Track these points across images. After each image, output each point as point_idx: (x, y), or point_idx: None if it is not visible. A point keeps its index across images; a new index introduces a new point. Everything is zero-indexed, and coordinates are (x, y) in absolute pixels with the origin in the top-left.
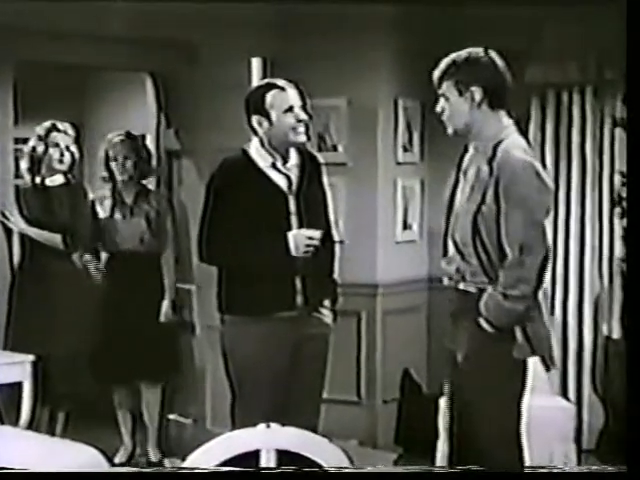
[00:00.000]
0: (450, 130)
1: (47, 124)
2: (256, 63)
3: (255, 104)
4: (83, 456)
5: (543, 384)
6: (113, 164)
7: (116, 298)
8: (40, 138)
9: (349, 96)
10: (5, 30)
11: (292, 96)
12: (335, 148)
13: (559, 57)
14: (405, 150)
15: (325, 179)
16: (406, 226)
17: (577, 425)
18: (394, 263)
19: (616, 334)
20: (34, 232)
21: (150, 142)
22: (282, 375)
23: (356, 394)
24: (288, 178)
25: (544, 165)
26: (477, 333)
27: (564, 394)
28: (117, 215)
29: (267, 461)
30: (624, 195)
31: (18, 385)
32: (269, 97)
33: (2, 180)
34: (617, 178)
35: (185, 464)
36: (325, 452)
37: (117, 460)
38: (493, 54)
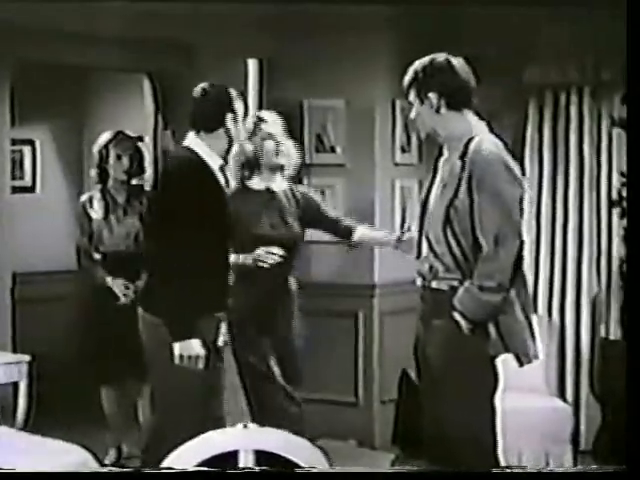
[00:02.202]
0: (422, 135)
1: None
2: (252, 64)
3: (226, 102)
4: (72, 456)
5: (539, 385)
6: (108, 163)
7: (110, 298)
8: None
9: (347, 97)
10: (2, 30)
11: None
12: (333, 149)
13: (557, 58)
14: (403, 151)
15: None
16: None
17: (574, 426)
18: (392, 264)
19: (614, 335)
20: None
21: (147, 143)
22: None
23: (354, 395)
24: (227, 181)
25: (541, 166)
26: (450, 332)
27: (561, 395)
28: (111, 216)
29: (245, 462)
30: (624, 195)
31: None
32: (236, 100)
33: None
34: (615, 178)
35: (163, 465)
36: (303, 452)
37: (107, 461)
38: (453, 59)
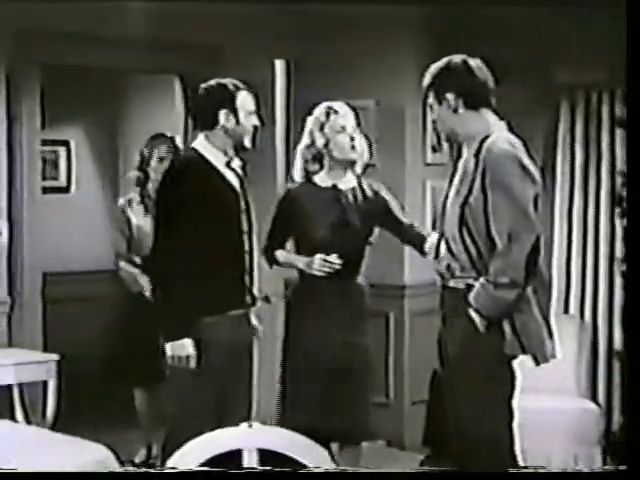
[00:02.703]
0: (443, 137)
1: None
2: (280, 65)
3: (224, 99)
4: (92, 454)
5: (569, 386)
6: (150, 165)
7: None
8: None
9: (377, 97)
10: (33, 34)
11: (253, 101)
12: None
13: (588, 58)
14: (434, 151)
15: None
16: (435, 227)
17: (606, 428)
18: (422, 264)
19: None
20: None
21: (178, 144)
22: (232, 373)
23: (385, 395)
24: (239, 176)
25: (573, 166)
26: (467, 331)
27: (593, 397)
28: (150, 219)
29: (249, 461)
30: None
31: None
32: (240, 96)
33: (30, 181)
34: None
35: (168, 464)
36: (307, 452)
37: (137, 459)
38: (470, 60)
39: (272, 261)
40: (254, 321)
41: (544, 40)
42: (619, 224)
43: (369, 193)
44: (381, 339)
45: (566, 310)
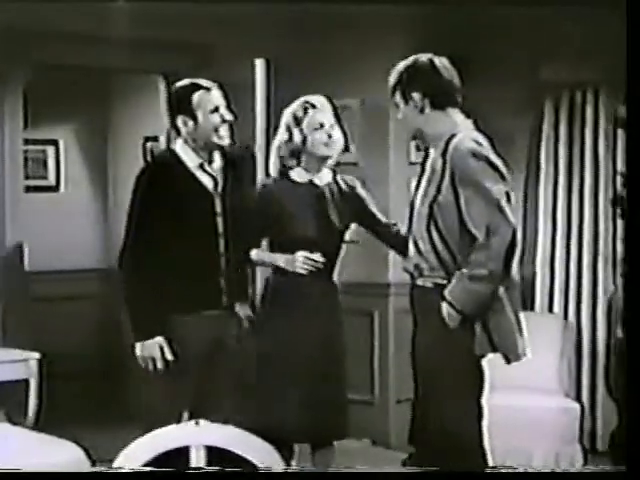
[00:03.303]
0: (410, 135)
1: None
2: (260, 64)
3: (181, 103)
4: (65, 453)
5: (551, 384)
6: None
7: None
8: None
9: (361, 96)
10: (17, 33)
11: (217, 96)
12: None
13: (573, 57)
14: (418, 150)
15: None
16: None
17: (591, 426)
18: None
19: None
20: None
21: (162, 143)
22: (204, 372)
23: (370, 393)
24: (214, 179)
25: (557, 164)
26: (437, 329)
27: (577, 395)
28: None
29: (197, 458)
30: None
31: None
32: (196, 97)
33: (13, 180)
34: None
35: (115, 462)
36: (254, 449)
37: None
38: (436, 59)
39: (245, 260)
40: (243, 320)
41: (529, 39)
42: (603, 222)
43: (345, 188)
44: (366, 337)
45: (550, 308)
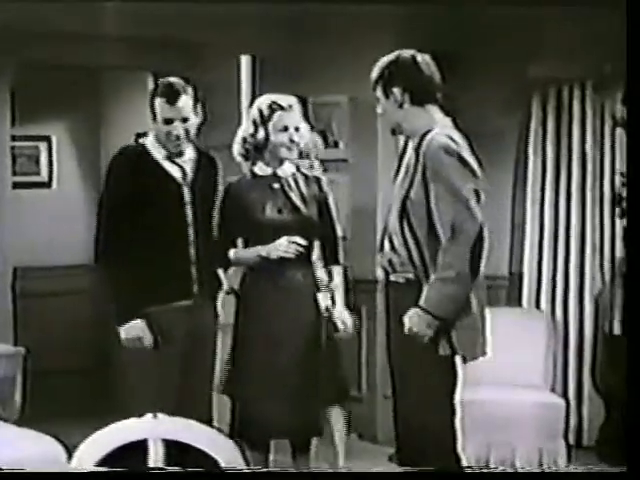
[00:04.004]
0: (389, 129)
1: None
2: (245, 61)
3: (151, 102)
4: (41, 447)
5: (536, 380)
6: None
7: None
8: None
9: (351, 93)
10: (8, 31)
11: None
12: (337, 144)
13: (560, 54)
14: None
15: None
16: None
17: (577, 422)
18: None
19: (617, 331)
20: None
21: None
22: (176, 364)
23: (357, 389)
24: (182, 169)
25: (544, 161)
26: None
27: (564, 391)
28: None
29: (155, 451)
30: (624, 195)
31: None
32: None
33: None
34: (617, 178)
35: (75, 455)
36: (212, 442)
37: None
38: (419, 55)
39: (225, 263)
40: (219, 311)
41: (516, 36)
42: (590, 218)
43: (310, 177)
44: (353, 334)
45: (537, 305)
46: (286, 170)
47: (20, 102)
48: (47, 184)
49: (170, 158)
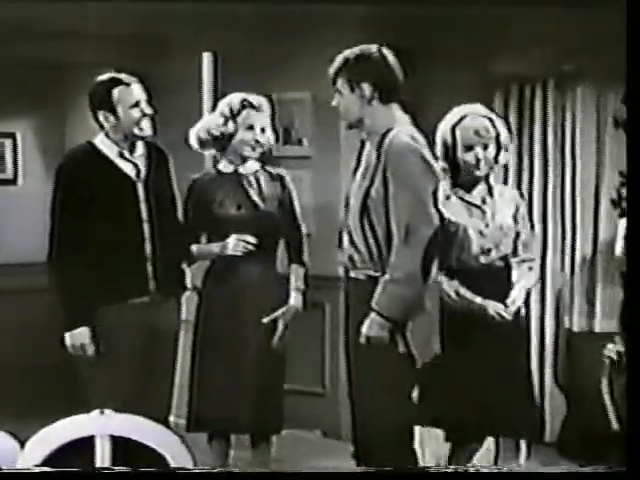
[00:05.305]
0: (345, 124)
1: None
2: (207, 58)
3: (101, 99)
4: None
5: None
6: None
7: None
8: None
9: (314, 90)
10: None
11: (137, 91)
12: (300, 142)
13: (521, 51)
14: None
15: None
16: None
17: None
18: None
19: (577, 327)
20: None
21: None
22: (135, 361)
23: (321, 385)
24: (136, 166)
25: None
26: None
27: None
28: None
29: (102, 448)
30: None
31: None
32: (116, 93)
33: None
34: (579, 170)
35: (23, 451)
36: (159, 438)
37: None
38: (385, 51)
39: (189, 258)
40: (183, 311)
41: (478, 33)
42: (551, 213)
43: (274, 175)
44: (317, 330)
45: None
46: (249, 168)
47: None
48: (12, 181)
49: (122, 155)
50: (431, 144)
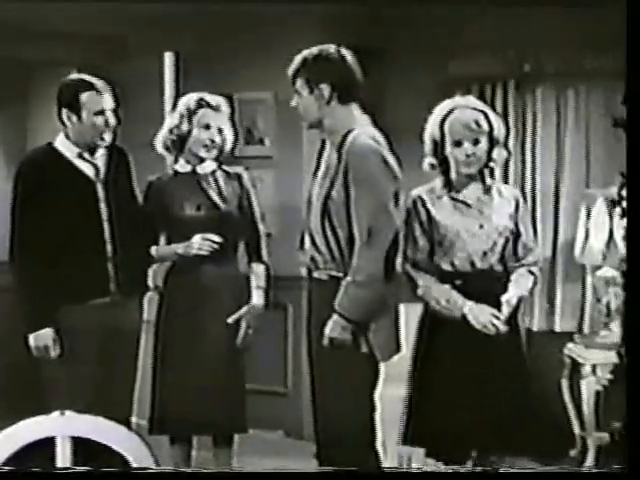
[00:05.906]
0: (305, 124)
1: None
2: (168, 57)
3: (68, 99)
4: None
5: None
6: None
7: None
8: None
9: (276, 90)
10: None
11: (106, 100)
12: (262, 141)
13: (481, 51)
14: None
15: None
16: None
17: None
18: None
19: (537, 326)
20: None
21: None
22: (96, 362)
23: (283, 385)
24: (95, 166)
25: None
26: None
27: None
28: None
29: (63, 449)
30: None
31: None
32: (84, 96)
33: None
34: (539, 170)
35: None
36: (121, 439)
37: None
38: (344, 51)
39: (147, 258)
40: (145, 311)
41: (439, 34)
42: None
43: (231, 174)
44: (279, 330)
45: None
46: (206, 167)
47: None
48: None
49: (81, 156)
50: (391, 145)
